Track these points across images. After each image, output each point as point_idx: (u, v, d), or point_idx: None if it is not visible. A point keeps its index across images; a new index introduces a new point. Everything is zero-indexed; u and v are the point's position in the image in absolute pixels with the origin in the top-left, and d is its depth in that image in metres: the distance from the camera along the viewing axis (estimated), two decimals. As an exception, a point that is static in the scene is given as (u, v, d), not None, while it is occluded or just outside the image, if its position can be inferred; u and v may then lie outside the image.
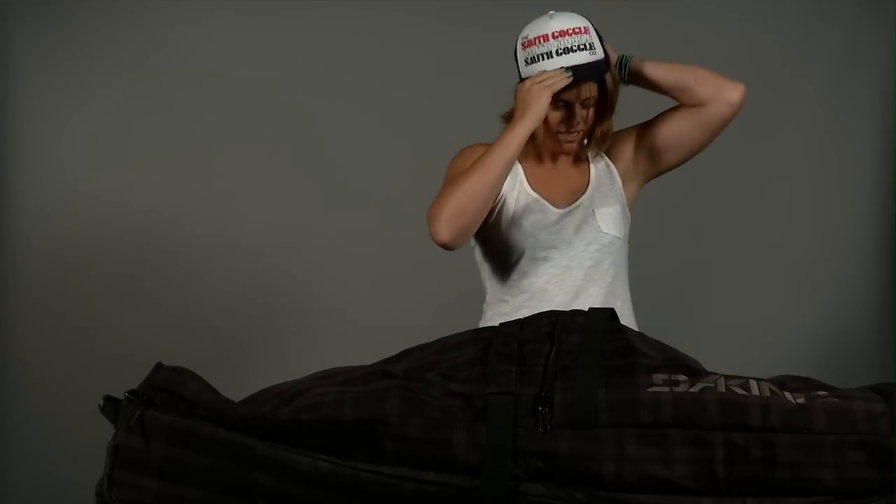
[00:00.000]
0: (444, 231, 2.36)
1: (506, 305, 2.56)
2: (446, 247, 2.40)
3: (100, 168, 3.94)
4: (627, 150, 2.58)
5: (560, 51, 2.41)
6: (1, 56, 3.90)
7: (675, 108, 2.53)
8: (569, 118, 2.46)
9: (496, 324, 2.41)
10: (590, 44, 2.41)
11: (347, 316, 3.90)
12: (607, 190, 2.56)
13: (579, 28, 2.43)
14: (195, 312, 3.89)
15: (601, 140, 2.53)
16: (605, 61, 2.43)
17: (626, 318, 2.51)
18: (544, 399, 1.69)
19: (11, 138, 3.91)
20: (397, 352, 1.92)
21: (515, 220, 2.53)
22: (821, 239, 3.94)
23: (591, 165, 2.57)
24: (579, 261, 2.51)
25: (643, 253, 3.88)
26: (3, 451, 3.86)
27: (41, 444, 3.85)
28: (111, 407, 1.74)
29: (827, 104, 3.92)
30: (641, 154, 2.57)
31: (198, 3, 3.94)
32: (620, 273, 2.57)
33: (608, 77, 2.46)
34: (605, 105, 2.48)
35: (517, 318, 2.40)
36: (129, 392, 1.73)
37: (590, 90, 2.44)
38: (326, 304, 3.85)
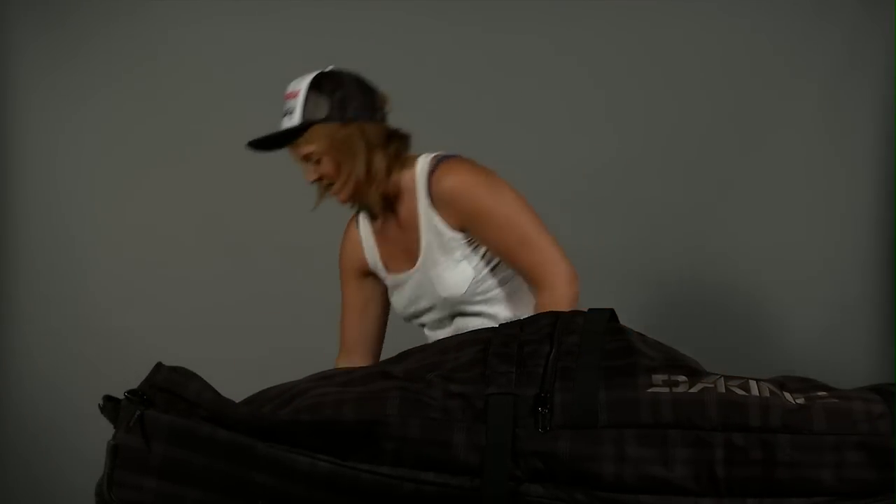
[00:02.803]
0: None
1: None
2: None
3: (100, 168, 3.94)
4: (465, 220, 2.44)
5: (283, 112, 2.48)
6: (1, 56, 3.90)
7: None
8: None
9: None
10: (292, 110, 2.45)
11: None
12: (437, 248, 2.46)
13: (293, 92, 2.47)
14: (195, 312, 3.89)
15: (342, 188, 2.52)
16: (301, 128, 2.43)
17: None
18: (544, 400, 1.69)
19: (11, 138, 3.91)
20: (397, 352, 1.92)
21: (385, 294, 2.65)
22: (820, 239, 3.94)
23: (420, 227, 2.48)
24: (441, 321, 2.52)
25: (642, 254, 3.91)
26: (4, 451, 3.86)
27: (41, 444, 3.85)
28: (111, 407, 1.74)
29: (827, 104, 3.92)
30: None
31: (198, 3, 3.93)
32: (493, 308, 2.48)
33: (317, 133, 2.44)
34: (329, 158, 2.47)
35: None
36: (128, 392, 1.73)
37: (301, 147, 2.47)
38: (327, 304, 3.84)
